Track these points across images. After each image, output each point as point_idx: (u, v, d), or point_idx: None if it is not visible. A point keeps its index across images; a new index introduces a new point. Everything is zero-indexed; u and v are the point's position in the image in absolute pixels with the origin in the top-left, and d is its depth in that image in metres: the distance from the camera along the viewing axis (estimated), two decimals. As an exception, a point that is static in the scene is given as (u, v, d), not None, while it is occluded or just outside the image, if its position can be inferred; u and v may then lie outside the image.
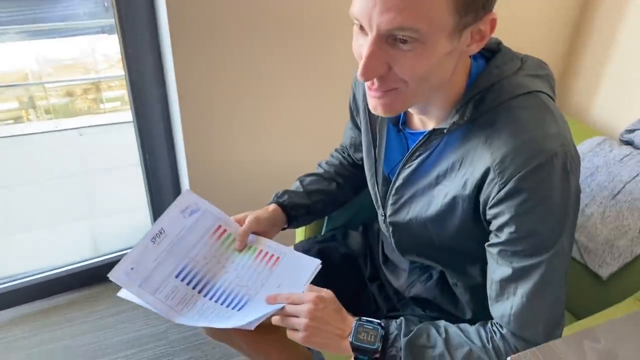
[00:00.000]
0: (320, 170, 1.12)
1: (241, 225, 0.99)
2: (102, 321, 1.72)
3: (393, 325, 0.79)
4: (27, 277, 1.78)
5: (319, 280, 1.06)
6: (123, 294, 0.89)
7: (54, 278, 1.81)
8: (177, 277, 0.91)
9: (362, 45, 0.67)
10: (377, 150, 0.90)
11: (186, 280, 0.91)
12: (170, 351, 1.62)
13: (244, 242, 0.97)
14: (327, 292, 0.83)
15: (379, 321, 0.79)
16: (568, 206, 0.71)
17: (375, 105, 0.73)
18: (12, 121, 5.63)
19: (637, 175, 1.07)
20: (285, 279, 0.91)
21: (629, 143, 1.18)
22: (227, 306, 0.89)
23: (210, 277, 0.93)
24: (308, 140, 1.65)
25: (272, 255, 0.96)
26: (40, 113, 5.62)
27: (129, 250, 0.91)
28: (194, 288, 0.91)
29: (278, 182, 1.65)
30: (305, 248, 1.12)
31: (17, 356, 1.59)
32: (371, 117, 0.90)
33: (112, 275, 0.87)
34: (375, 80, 0.69)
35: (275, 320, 0.84)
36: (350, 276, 1.10)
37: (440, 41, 0.64)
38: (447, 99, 0.75)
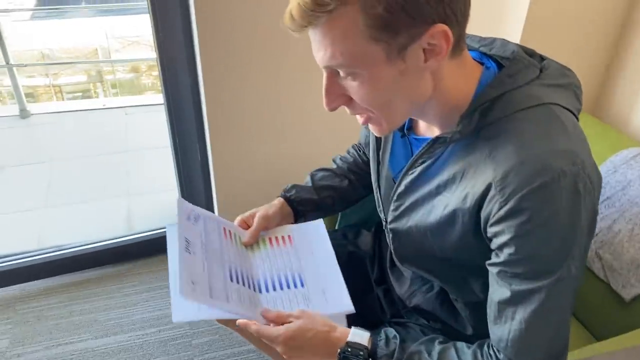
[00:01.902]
0: (334, 166, 1.11)
1: (248, 226, 0.99)
2: (128, 298, 1.78)
3: (381, 349, 0.76)
4: (62, 250, 1.87)
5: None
6: (179, 317, 0.80)
7: (87, 253, 1.88)
8: (232, 281, 0.85)
9: None
10: (380, 153, 0.87)
11: (241, 282, 0.87)
12: (189, 333, 1.66)
13: (255, 239, 0.97)
14: (295, 323, 0.78)
15: (365, 346, 0.76)
16: (576, 230, 0.65)
17: (365, 124, 0.75)
18: (80, 94, 5.90)
19: (672, 192, 1.00)
20: (310, 247, 0.96)
21: (668, 157, 1.10)
22: (289, 287, 0.88)
23: (251, 274, 0.90)
24: (334, 135, 1.63)
25: (283, 236, 0.98)
26: (107, 87, 5.85)
27: (173, 270, 0.84)
28: (249, 288, 0.87)
29: (301, 165, 1.66)
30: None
31: (46, 325, 1.67)
32: None
33: (184, 295, 0.76)
34: (346, 108, 0.72)
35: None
36: (355, 276, 1.07)
37: (380, 68, 0.64)
38: (449, 107, 0.71)
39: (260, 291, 0.88)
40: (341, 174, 1.08)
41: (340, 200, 1.08)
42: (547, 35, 1.27)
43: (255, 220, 0.98)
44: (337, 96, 0.70)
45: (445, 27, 0.61)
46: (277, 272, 0.91)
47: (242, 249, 0.95)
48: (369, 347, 0.76)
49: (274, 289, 0.88)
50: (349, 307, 0.85)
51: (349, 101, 0.71)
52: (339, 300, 0.86)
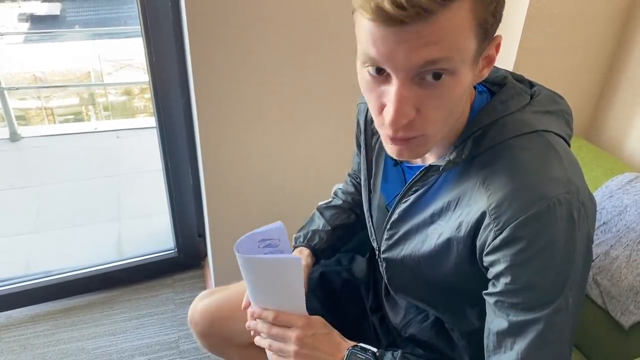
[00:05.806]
0: (339, 201, 1.07)
1: None
2: (117, 325, 1.74)
3: (388, 357, 0.76)
4: (49, 276, 1.83)
5: (318, 307, 1.03)
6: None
7: (75, 279, 1.84)
8: None
9: (383, 93, 0.62)
10: (372, 182, 0.86)
11: None
12: (179, 362, 1.62)
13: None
14: (315, 317, 0.80)
15: (374, 350, 0.76)
16: (573, 259, 0.64)
17: (399, 151, 0.66)
18: (72, 117, 5.89)
19: (669, 218, 0.99)
20: None
21: (664, 181, 1.09)
22: None
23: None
24: (324, 150, 1.62)
25: None
26: (99, 110, 5.85)
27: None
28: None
29: (293, 189, 1.64)
30: (308, 270, 1.09)
31: (32, 354, 1.63)
32: (367, 146, 0.86)
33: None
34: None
35: (260, 341, 0.82)
36: (350, 304, 1.05)
37: (465, 71, 0.60)
38: (448, 133, 0.70)
39: None
40: (348, 208, 1.05)
41: (349, 237, 1.06)
42: (540, 60, 1.27)
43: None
44: (409, 109, 0.60)
45: (501, 37, 0.63)
46: None
47: None
48: (377, 353, 0.76)
49: None
50: None
51: (414, 115, 0.61)
52: None
